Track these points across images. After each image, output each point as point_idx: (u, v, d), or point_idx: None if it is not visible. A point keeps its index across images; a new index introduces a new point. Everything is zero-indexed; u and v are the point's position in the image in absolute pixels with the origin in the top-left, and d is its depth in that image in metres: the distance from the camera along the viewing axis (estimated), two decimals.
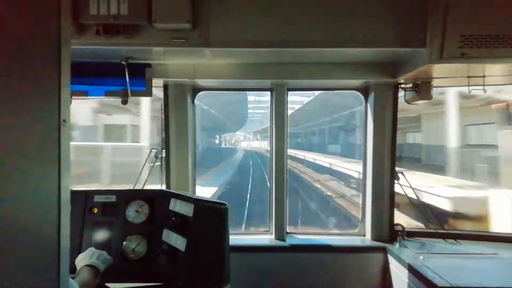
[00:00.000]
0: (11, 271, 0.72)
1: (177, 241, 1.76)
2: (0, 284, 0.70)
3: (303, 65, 2.20)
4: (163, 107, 2.37)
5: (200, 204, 1.77)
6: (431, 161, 12.90)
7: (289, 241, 2.42)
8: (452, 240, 2.32)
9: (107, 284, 1.77)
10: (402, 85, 2.26)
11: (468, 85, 2.01)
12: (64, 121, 0.81)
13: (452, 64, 1.76)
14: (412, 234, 2.38)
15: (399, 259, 2.07)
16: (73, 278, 1.41)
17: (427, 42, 1.71)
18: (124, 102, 2.09)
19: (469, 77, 1.97)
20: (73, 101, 1.96)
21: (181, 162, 2.39)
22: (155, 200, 1.99)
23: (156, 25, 1.67)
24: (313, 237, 2.54)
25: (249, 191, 14.31)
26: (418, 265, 1.87)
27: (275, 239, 2.44)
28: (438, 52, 1.68)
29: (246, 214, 10.10)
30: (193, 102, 2.45)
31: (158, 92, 2.40)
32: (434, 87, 2.13)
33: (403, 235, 2.29)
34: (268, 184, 2.61)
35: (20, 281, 0.74)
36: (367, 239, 2.45)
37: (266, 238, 2.48)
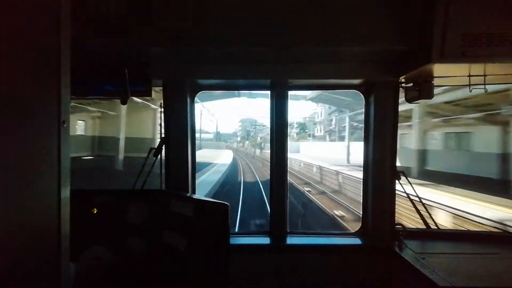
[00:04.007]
0: (11, 272, 0.72)
1: (177, 241, 1.76)
2: (0, 284, 0.70)
3: (303, 64, 2.19)
4: (162, 107, 2.36)
5: (200, 204, 1.77)
6: None
7: (289, 241, 2.41)
8: (453, 240, 2.31)
9: (107, 285, 1.77)
10: (403, 84, 2.25)
11: (469, 84, 2.00)
12: (63, 122, 0.80)
13: (453, 63, 1.75)
14: (413, 234, 2.38)
15: (400, 259, 2.06)
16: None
17: (428, 41, 1.70)
18: (123, 102, 2.08)
19: (470, 76, 1.96)
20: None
21: (181, 162, 2.38)
22: (155, 201, 1.98)
23: (155, 24, 1.66)
24: (313, 237, 2.53)
25: None
26: (419, 265, 1.87)
27: (276, 239, 2.43)
28: (439, 51, 1.67)
29: None
30: (192, 101, 2.44)
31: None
32: (435, 86, 2.12)
33: (404, 235, 2.28)
34: None
35: (21, 282, 0.74)
36: (367, 239, 2.44)
37: (267, 238, 2.47)
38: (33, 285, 0.77)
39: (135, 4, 1.65)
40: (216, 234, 1.69)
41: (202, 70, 2.19)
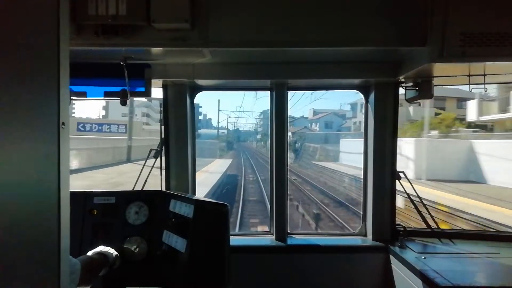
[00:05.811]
0: (10, 273, 0.71)
1: (177, 242, 1.75)
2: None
3: (303, 64, 2.19)
4: (162, 107, 2.36)
5: (200, 205, 1.76)
6: None
7: (289, 241, 2.41)
8: (454, 240, 2.31)
9: (107, 286, 1.76)
10: (403, 84, 2.25)
11: (469, 84, 2.00)
12: (63, 123, 0.80)
13: (453, 62, 1.75)
14: (413, 234, 2.37)
15: (400, 259, 2.06)
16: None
17: (427, 40, 1.70)
18: (123, 102, 2.08)
19: (469, 75, 1.96)
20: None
21: (181, 162, 2.38)
22: (155, 201, 1.97)
23: (154, 25, 1.65)
24: (313, 237, 2.53)
25: None
26: (419, 265, 1.86)
27: (276, 239, 2.42)
28: (438, 51, 1.67)
29: None
30: (192, 102, 2.44)
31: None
32: (435, 85, 2.12)
33: (405, 235, 2.28)
34: None
35: (20, 284, 0.74)
36: (368, 239, 2.43)
37: (267, 238, 2.47)
38: (32, 286, 0.76)
39: (134, 5, 1.64)
40: (216, 235, 1.68)
41: (202, 70, 2.19)
